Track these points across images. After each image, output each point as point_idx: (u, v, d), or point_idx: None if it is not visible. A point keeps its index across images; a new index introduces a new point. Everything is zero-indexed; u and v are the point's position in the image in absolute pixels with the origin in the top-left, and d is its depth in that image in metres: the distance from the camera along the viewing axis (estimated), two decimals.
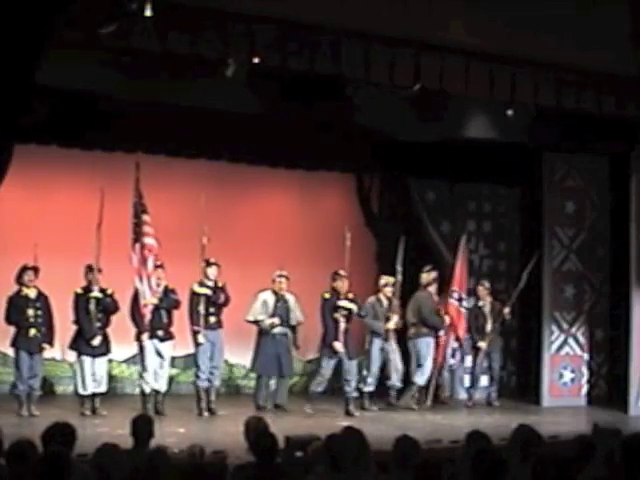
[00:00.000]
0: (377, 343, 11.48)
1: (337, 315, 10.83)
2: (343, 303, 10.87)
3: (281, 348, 11.13)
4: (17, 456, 4.97)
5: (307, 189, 12.95)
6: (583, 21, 9.55)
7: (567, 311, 12.46)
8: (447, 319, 11.95)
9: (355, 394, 11.02)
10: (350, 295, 11.00)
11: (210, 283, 10.67)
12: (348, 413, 10.82)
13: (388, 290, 11.53)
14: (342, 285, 10.90)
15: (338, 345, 10.79)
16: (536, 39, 9.46)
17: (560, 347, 12.35)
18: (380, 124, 10.69)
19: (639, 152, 11.86)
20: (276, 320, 11.04)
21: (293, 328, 11.29)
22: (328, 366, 10.96)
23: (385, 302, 11.53)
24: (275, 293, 11.18)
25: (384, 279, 11.63)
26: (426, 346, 11.73)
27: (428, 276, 11.89)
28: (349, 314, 10.94)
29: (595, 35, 9.60)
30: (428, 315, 11.71)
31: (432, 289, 11.91)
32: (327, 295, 10.94)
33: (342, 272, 10.87)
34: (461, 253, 12.31)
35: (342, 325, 10.85)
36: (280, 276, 11.18)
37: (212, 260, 10.65)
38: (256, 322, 11.12)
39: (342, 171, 13.06)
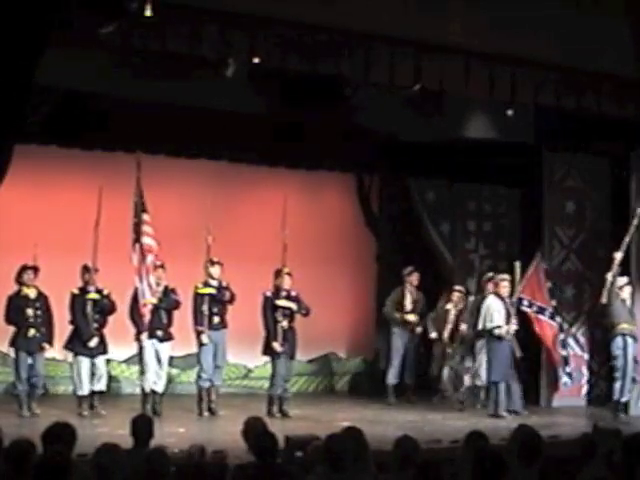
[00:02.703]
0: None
1: (277, 314, 10.59)
2: (282, 302, 10.63)
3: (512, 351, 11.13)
4: (16, 456, 4.96)
5: (307, 189, 12.95)
6: (583, 21, 9.55)
7: (567, 311, 12.44)
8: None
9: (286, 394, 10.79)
10: (293, 293, 10.74)
11: (214, 283, 10.63)
12: (275, 412, 10.54)
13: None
14: (284, 283, 10.63)
15: (276, 345, 10.54)
16: (536, 39, 9.45)
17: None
18: (380, 124, 10.70)
19: (639, 152, 11.86)
20: (512, 327, 10.99)
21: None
22: (277, 367, 10.67)
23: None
24: (499, 297, 11.09)
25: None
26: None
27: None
28: (291, 313, 10.74)
29: (595, 35, 9.60)
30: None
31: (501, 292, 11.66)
32: (268, 294, 10.67)
33: (285, 269, 10.61)
34: (534, 267, 11.89)
35: (282, 324, 10.61)
36: (503, 279, 11.11)
37: (215, 259, 10.59)
38: (486, 330, 11.06)
39: (342, 171, 13.07)
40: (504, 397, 10.96)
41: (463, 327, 11.75)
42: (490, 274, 11.82)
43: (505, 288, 11.12)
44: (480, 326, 11.16)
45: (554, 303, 12.05)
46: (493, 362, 11.07)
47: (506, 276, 11.23)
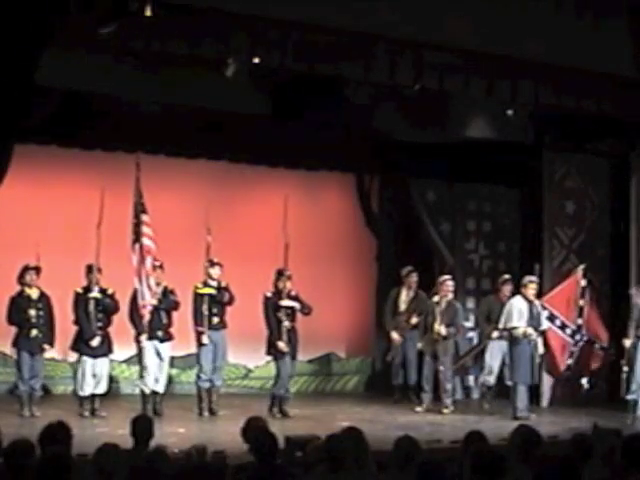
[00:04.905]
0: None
1: (280, 314, 10.59)
2: (285, 302, 10.61)
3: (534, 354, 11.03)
4: (16, 456, 4.96)
5: (307, 189, 12.96)
6: (582, 22, 9.56)
7: None
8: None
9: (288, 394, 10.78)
10: (292, 293, 10.71)
11: (214, 283, 10.61)
12: (276, 413, 10.54)
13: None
14: (284, 284, 10.61)
15: (282, 345, 10.53)
16: (536, 39, 9.46)
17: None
18: (380, 124, 10.71)
19: (639, 152, 11.87)
20: (529, 330, 10.84)
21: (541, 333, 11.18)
22: (282, 366, 10.66)
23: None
24: (526, 299, 10.97)
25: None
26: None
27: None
28: (292, 312, 10.72)
29: (595, 36, 9.61)
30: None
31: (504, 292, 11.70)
32: (269, 294, 10.66)
33: (287, 272, 10.59)
34: (569, 282, 11.91)
35: (285, 324, 10.61)
36: (531, 282, 11.00)
37: (215, 260, 10.56)
38: (507, 329, 10.97)
39: (342, 171, 13.08)
40: (524, 399, 10.89)
41: (442, 329, 11.28)
42: (506, 276, 11.82)
43: (533, 290, 10.97)
44: (500, 325, 11.09)
45: (580, 322, 11.85)
46: (514, 364, 11.00)
47: (534, 278, 11.10)
